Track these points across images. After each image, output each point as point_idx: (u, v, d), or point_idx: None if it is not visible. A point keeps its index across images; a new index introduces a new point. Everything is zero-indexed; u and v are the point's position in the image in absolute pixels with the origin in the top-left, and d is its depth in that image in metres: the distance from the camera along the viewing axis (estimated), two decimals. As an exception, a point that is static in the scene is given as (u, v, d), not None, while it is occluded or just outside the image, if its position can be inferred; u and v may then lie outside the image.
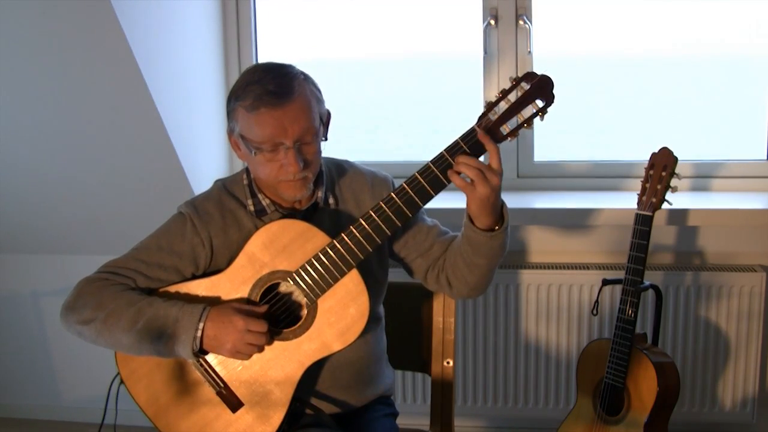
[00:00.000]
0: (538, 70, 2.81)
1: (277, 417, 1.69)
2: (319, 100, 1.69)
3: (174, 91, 2.57)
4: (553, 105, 1.61)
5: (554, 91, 1.61)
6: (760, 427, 2.77)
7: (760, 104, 2.92)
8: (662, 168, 2.10)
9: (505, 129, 1.61)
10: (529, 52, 2.77)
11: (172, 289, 1.73)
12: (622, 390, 2.16)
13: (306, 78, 1.67)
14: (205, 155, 2.83)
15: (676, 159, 2.09)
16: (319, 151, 1.68)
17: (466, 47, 2.89)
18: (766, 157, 2.82)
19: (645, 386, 2.12)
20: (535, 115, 1.61)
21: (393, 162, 3.00)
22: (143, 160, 2.64)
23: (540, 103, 1.60)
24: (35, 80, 2.46)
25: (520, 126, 1.62)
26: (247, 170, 1.78)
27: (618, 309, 2.16)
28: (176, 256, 1.72)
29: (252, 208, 1.74)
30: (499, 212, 1.66)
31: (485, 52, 2.78)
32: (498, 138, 1.61)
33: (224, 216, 1.74)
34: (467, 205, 1.63)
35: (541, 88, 1.60)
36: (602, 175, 2.86)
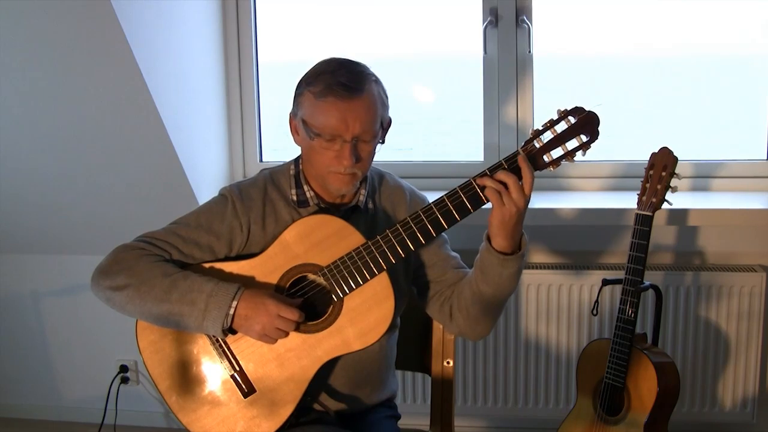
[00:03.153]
0: (538, 69, 2.82)
1: (285, 411, 1.70)
2: (384, 105, 1.71)
3: (174, 91, 2.57)
4: (597, 141, 1.63)
5: (599, 128, 1.63)
6: (760, 427, 2.77)
7: (760, 104, 2.91)
8: (662, 168, 2.10)
9: (548, 158, 1.64)
10: (529, 52, 2.77)
11: (204, 266, 1.74)
12: (622, 390, 2.16)
13: (377, 81, 1.71)
14: (205, 155, 2.83)
15: (676, 159, 2.09)
16: (373, 153, 1.71)
17: (466, 47, 2.89)
18: (766, 157, 2.82)
19: (645, 386, 2.12)
20: (578, 148, 1.63)
21: (392, 162, 2.99)
22: (143, 160, 2.64)
23: (584, 138, 1.63)
24: (35, 80, 2.45)
25: (562, 157, 1.64)
26: (295, 161, 1.81)
27: (618, 309, 2.16)
28: (213, 235, 1.74)
29: (295, 198, 1.76)
30: (517, 242, 1.68)
31: (485, 52, 2.78)
32: (539, 165, 1.64)
33: (265, 204, 1.77)
34: (490, 219, 1.64)
35: (587, 124, 1.62)
36: (602, 175, 2.86)
